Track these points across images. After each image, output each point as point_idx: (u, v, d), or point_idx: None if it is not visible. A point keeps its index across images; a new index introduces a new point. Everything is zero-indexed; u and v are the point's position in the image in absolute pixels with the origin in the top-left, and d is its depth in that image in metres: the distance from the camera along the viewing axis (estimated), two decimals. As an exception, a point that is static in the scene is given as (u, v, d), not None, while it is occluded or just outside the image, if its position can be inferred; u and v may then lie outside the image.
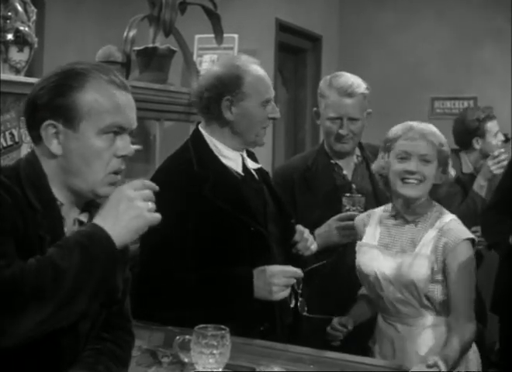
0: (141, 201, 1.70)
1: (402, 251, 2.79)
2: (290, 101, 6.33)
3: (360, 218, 2.99)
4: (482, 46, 6.24)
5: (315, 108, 3.40)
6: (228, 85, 2.64)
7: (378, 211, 2.94)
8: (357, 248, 2.89)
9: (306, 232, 2.79)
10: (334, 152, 3.37)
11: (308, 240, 2.77)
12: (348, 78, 3.28)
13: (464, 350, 2.65)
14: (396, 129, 2.80)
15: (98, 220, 1.67)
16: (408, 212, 2.83)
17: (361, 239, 2.92)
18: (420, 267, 2.71)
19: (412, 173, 2.72)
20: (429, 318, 2.77)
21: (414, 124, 2.78)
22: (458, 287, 2.70)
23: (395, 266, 2.75)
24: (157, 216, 1.73)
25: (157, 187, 1.77)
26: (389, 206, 2.93)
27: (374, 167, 2.88)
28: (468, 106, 5.88)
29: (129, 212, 1.67)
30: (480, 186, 4.20)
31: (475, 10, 6.26)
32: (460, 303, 2.71)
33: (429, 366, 2.36)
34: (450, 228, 2.76)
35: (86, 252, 1.60)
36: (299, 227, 2.80)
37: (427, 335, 2.75)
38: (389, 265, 2.77)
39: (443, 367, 2.37)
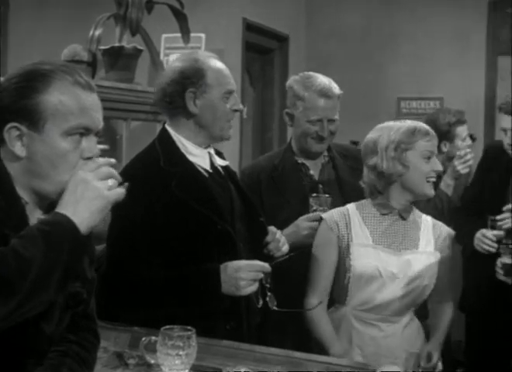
0: (98, 180, 1.67)
1: (404, 248, 2.86)
2: (257, 100, 6.33)
3: (337, 217, 2.92)
4: (449, 46, 6.28)
5: (287, 110, 3.38)
6: (191, 77, 2.65)
7: (352, 210, 2.93)
8: (351, 249, 2.84)
9: (279, 233, 2.80)
10: (303, 152, 3.37)
11: (280, 241, 2.78)
12: (323, 79, 3.30)
13: (449, 328, 2.99)
14: (407, 129, 2.83)
15: (59, 208, 1.65)
16: (407, 210, 2.91)
17: (340, 237, 2.88)
18: (431, 267, 2.86)
19: (438, 172, 2.87)
20: (409, 315, 2.90)
21: (420, 123, 2.90)
22: (445, 273, 2.93)
23: (403, 264, 2.81)
24: (119, 192, 1.70)
25: (113, 161, 1.74)
26: (363, 205, 2.94)
27: (385, 165, 2.82)
28: (440, 107, 5.91)
29: (88, 194, 1.65)
30: (447, 185, 4.24)
31: (441, 10, 6.30)
32: (446, 286, 2.95)
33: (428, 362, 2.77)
34: (436, 222, 2.99)
35: (49, 239, 1.57)
36: (272, 228, 2.80)
37: (408, 331, 2.88)
38: (395, 263, 2.81)
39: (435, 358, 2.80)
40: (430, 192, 2.86)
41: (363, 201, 2.95)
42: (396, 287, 2.80)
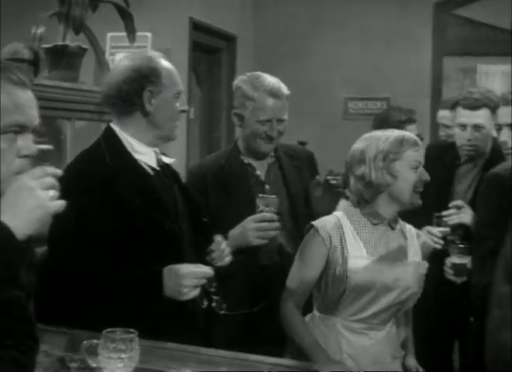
0: (42, 190, 1.63)
1: (396, 259, 2.85)
2: (205, 100, 6.32)
3: (330, 228, 2.84)
4: (395, 47, 6.34)
5: (235, 110, 3.35)
6: (148, 76, 2.65)
7: (343, 220, 2.87)
8: (348, 262, 2.79)
9: (224, 243, 2.80)
10: (251, 152, 3.36)
11: (224, 252, 2.77)
12: (272, 80, 3.29)
13: None
14: (395, 139, 2.81)
15: None
16: (395, 220, 2.91)
17: (332, 249, 2.81)
18: (421, 277, 2.87)
19: (426, 181, 2.85)
20: (391, 322, 2.91)
21: (407, 133, 2.89)
22: None
23: (396, 276, 2.79)
24: (60, 204, 1.66)
25: (59, 172, 1.70)
26: (353, 214, 2.89)
27: (373, 175, 2.80)
28: (387, 107, 5.95)
29: (29, 202, 1.61)
30: None
31: (388, 11, 6.35)
32: None
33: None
34: (417, 231, 3.02)
35: None
36: (218, 238, 2.80)
37: (390, 335, 2.89)
38: (389, 275, 2.78)
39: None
40: (418, 202, 2.85)
41: (351, 210, 2.91)
42: (388, 298, 2.79)
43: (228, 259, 2.79)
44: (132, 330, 2.01)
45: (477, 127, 3.66)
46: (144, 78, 2.65)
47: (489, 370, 1.76)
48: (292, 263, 2.91)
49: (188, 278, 2.48)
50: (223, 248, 2.77)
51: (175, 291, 2.48)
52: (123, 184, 2.56)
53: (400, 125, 4.56)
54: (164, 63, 2.71)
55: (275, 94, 3.24)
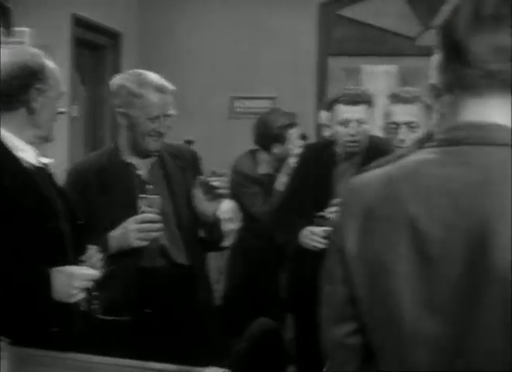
0: None
1: None
2: (89, 98, 6.22)
3: None
4: (280, 47, 6.39)
5: (121, 110, 3.29)
6: (36, 74, 2.59)
7: None
8: None
9: (95, 257, 2.73)
10: (136, 151, 3.29)
11: (94, 265, 2.69)
12: (155, 76, 3.26)
13: None
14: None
15: None
16: None
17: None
18: None
19: None
20: None
21: None
22: None
23: None
24: None
25: None
26: None
27: None
28: (272, 107, 5.97)
29: None
30: (282, 183, 4.31)
31: (273, 10, 6.40)
32: None
33: None
34: None
35: None
36: (92, 249, 2.73)
37: None
38: None
39: None
40: None
41: None
42: None
43: (98, 273, 2.72)
44: (2, 338, 1.93)
45: (359, 122, 3.71)
46: (32, 75, 2.58)
47: (325, 369, 1.80)
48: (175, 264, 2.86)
49: (78, 280, 2.45)
50: (94, 261, 2.71)
51: (65, 292, 2.43)
52: (5, 180, 2.48)
53: (282, 130, 4.62)
54: (49, 62, 2.66)
55: (161, 89, 3.21)
